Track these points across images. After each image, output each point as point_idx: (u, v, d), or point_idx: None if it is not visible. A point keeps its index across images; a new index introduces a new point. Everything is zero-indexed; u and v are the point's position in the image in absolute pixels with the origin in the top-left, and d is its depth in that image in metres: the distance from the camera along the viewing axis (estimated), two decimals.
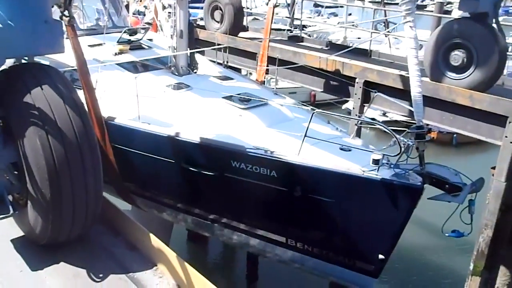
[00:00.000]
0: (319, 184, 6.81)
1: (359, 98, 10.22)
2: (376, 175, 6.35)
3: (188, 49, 9.55)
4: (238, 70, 12.71)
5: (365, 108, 9.59)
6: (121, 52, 9.92)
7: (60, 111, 4.89)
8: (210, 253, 13.52)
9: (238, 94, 8.57)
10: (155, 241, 5.30)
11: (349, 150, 7.01)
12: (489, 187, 8.36)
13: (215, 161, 7.34)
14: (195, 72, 9.83)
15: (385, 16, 16.72)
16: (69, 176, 4.87)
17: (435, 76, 9.18)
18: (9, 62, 5.45)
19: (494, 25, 8.75)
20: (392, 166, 6.52)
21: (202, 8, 14.19)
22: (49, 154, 4.72)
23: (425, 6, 56.03)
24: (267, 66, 10.92)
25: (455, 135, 21.50)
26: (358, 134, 9.80)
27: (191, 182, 7.87)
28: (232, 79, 9.86)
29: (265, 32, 11.07)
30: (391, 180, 6.32)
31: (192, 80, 9.34)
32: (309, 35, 20.84)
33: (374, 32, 13.84)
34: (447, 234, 6.91)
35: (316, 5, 42.61)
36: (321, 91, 11.32)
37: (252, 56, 11.89)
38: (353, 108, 10.37)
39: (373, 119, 23.97)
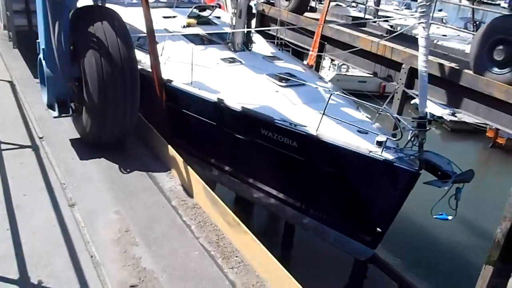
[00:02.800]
0: (331, 158, 7.65)
1: (403, 84, 10.73)
2: (380, 156, 7.06)
3: (246, 27, 10.57)
4: (298, 51, 13.53)
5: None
6: (188, 25, 11.20)
7: (112, 40, 6.58)
8: (254, 218, 14.33)
9: (280, 73, 9.51)
10: (172, 152, 6.77)
11: (366, 133, 7.64)
12: None
13: (248, 127, 8.41)
14: (250, 50, 10.84)
15: (473, 15, 16.54)
16: (113, 90, 6.47)
17: (478, 69, 9.39)
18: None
19: None
20: (398, 150, 7.24)
21: None
22: (100, 71, 6.37)
23: None
24: (319, 52, 11.79)
25: None
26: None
27: (228, 144, 9.05)
28: (281, 59, 10.77)
29: (320, 19, 11.84)
30: (392, 161, 7.03)
31: (245, 56, 10.39)
32: (391, 27, 20.86)
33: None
34: (435, 216, 7.49)
35: None
36: (370, 74, 11.92)
37: (311, 34, 12.73)
38: (396, 93, 10.88)
39: (440, 117, 23.82)
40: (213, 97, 8.64)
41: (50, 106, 6.85)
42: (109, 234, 5.40)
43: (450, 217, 7.47)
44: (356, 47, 11.60)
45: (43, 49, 6.56)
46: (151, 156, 7.41)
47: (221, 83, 9.21)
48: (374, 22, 14.59)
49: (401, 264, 12.60)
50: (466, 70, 9.53)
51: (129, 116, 6.98)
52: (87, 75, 6.44)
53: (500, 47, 8.99)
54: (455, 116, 22.95)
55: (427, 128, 7.04)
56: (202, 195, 6.01)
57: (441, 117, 23.76)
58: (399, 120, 7.35)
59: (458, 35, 24.54)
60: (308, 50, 12.77)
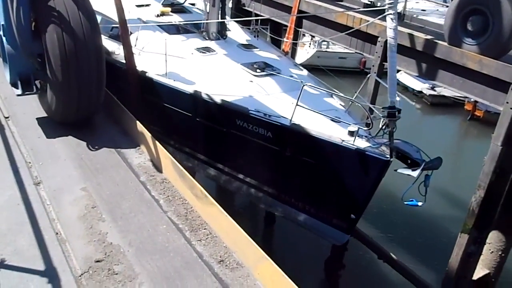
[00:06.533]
0: (305, 147, 7.69)
1: (379, 57, 10.67)
2: (353, 144, 7.14)
3: (220, 15, 10.37)
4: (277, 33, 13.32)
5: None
6: (162, 14, 10.97)
7: (73, 14, 6.35)
8: (236, 199, 14.42)
9: (255, 62, 9.43)
10: (141, 128, 6.69)
11: (339, 122, 7.73)
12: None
13: (224, 118, 8.39)
14: (225, 38, 10.67)
15: None
16: (76, 65, 6.26)
17: (452, 40, 9.33)
18: None
19: None
20: (369, 138, 7.32)
21: None
22: (62, 46, 6.18)
23: None
24: (294, 40, 11.76)
25: None
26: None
27: (204, 134, 9.02)
28: (256, 47, 10.63)
29: (293, 8, 11.69)
30: (363, 150, 7.12)
31: (220, 45, 10.27)
32: (371, 2, 20.73)
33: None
34: (405, 203, 7.55)
35: None
36: (347, 48, 11.85)
37: (288, 9, 12.61)
38: (373, 66, 10.84)
39: (419, 91, 23.91)
40: (188, 89, 8.56)
41: (13, 84, 6.70)
42: (75, 211, 5.37)
43: (420, 203, 7.53)
44: (333, 21, 11.52)
45: (2, 25, 6.38)
46: (120, 133, 7.35)
47: (196, 74, 9.12)
48: None
49: (380, 236, 12.77)
50: (440, 42, 9.50)
51: (96, 92, 6.86)
52: (49, 51, 6.28)
53: (473, 17, 8.93)
54: (434, 90, 23.10)
55: (397, 118, 7.06)
56: (170, 169, 5.99)
57: (420, 92, 23.90)
58: (370, 110, 7.44)
59: (437, 10, 24.55)
60: (286, 26, 12.65)
